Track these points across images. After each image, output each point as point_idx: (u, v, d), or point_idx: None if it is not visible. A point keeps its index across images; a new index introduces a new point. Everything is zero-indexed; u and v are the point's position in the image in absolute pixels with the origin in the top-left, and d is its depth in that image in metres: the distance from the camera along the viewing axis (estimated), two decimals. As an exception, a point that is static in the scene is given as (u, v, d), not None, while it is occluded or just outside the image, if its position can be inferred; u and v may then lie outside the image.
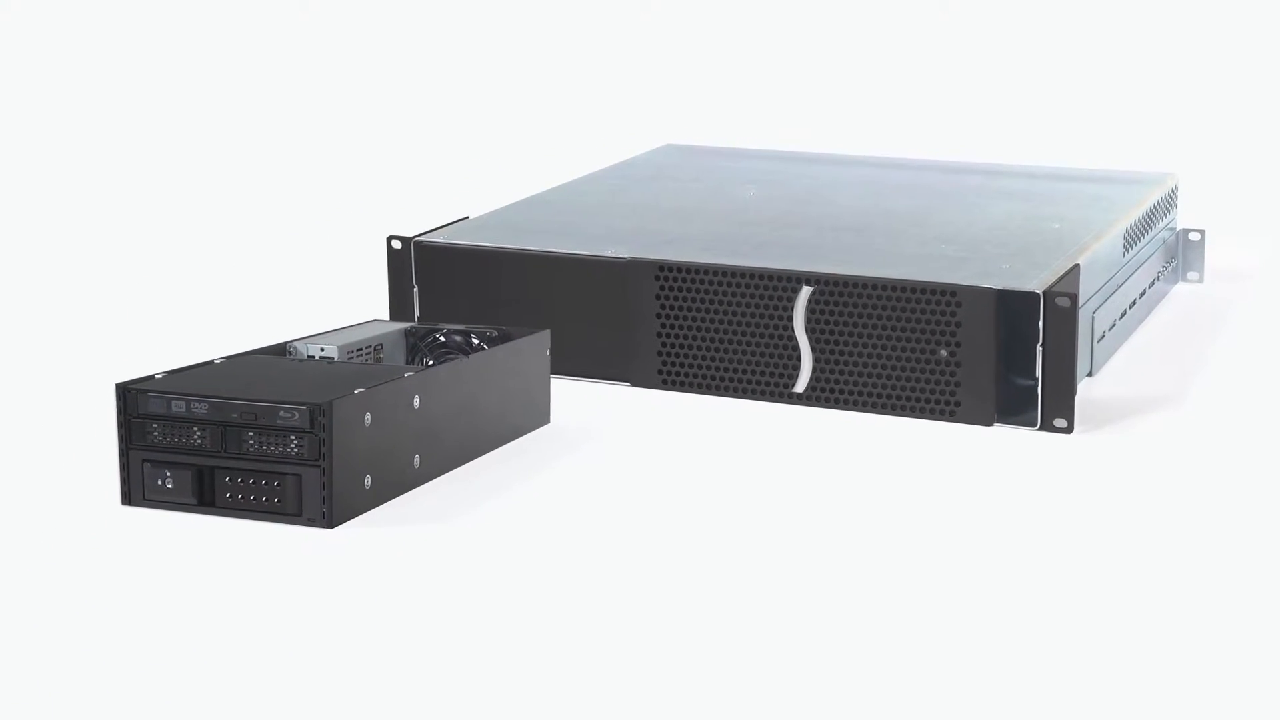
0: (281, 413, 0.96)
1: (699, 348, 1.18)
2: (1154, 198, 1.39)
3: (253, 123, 1.93)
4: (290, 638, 0.85)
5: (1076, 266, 1.16)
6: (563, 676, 0.81)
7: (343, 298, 1.35)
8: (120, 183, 1.77)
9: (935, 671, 0.81)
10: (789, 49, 2.00)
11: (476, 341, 1.13)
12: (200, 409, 0.98)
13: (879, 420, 1.14)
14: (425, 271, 1.25)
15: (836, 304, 1.15)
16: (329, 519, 0.97)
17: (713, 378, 1.18)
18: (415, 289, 1.25)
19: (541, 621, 0.86)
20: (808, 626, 0.86)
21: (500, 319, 1.19)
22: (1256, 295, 1.43)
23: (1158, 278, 1.39)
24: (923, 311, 1.13)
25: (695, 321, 1.18)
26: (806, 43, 2.00)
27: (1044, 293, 1.10)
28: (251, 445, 0.97)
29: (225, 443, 0.97)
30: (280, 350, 1.09)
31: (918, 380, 1.13)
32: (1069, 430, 1.10)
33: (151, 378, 1.01)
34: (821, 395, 1.16)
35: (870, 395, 1.15)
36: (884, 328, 1.14)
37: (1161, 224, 1.41)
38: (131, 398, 0.99)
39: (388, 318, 1.25)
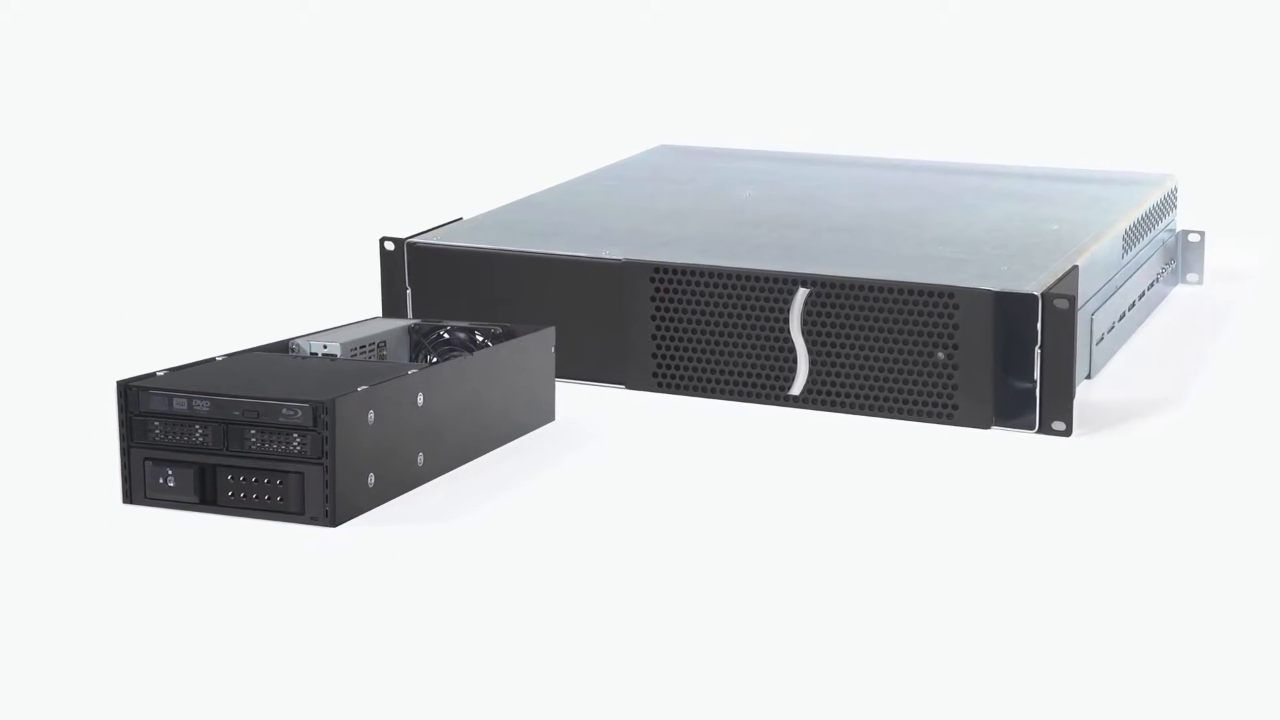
0: (284, 410, 0.97)
1: (694, 350, 1.19)
2: (1153, 199, 1.39)
3: (251, 123, 1.93)
4: (293, 638, 0.86)
5: (1075, 268, 1.16)
6: (565, 676, 0.82)
7: (337, 300, 1.35)
8: (120, 182, 1.78)
9: (933, 676, 0.81)
10: (784, 48, 2.00)
11: (480, 338, 1.13)
12: (202, 406, 0.98)
13: (876, 423, 1.14)
14: (418, 273, 1.26)
15: (833, 306, 1.15)
16: (332, 518, 0.97)
17: (708, 380, 1.19)
18: (409, 291, 1.26)
19: (545, 622, 0.87)
20: (806, 630, 0.86)
21: (494, 321, 1.18)
22: (1256, 297, 1.43)
23: (1157, 279, 1.40)
24: (920, 313, 1.14)
25: (691, 324, 1.19)
26: (802, 42, 1.99)
27: (1042, 294, 1.11)
28: (254, 443, 0.97)
29: (227, 441, 0.98)
30: (282, 347, 1.09)
31: (915, 383, 1.14)
32: (1067, 433, 1.11)
33: (153, 375, 1.02)
34: (818, 398, 1.17)
35: (867, 398, 1.15)
36: (881, 330, 1.14)
37: (1161, 225, 1.41)
38: (132, 395, 0.99)
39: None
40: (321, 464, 0.97)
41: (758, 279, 1.17)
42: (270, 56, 2.01)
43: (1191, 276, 1.47)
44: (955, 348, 1.13)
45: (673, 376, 1.20)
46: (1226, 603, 0.88)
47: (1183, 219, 1.49)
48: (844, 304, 1.16)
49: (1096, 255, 1.24)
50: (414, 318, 1.25)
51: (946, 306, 1.13)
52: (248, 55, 2.01)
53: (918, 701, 0.79)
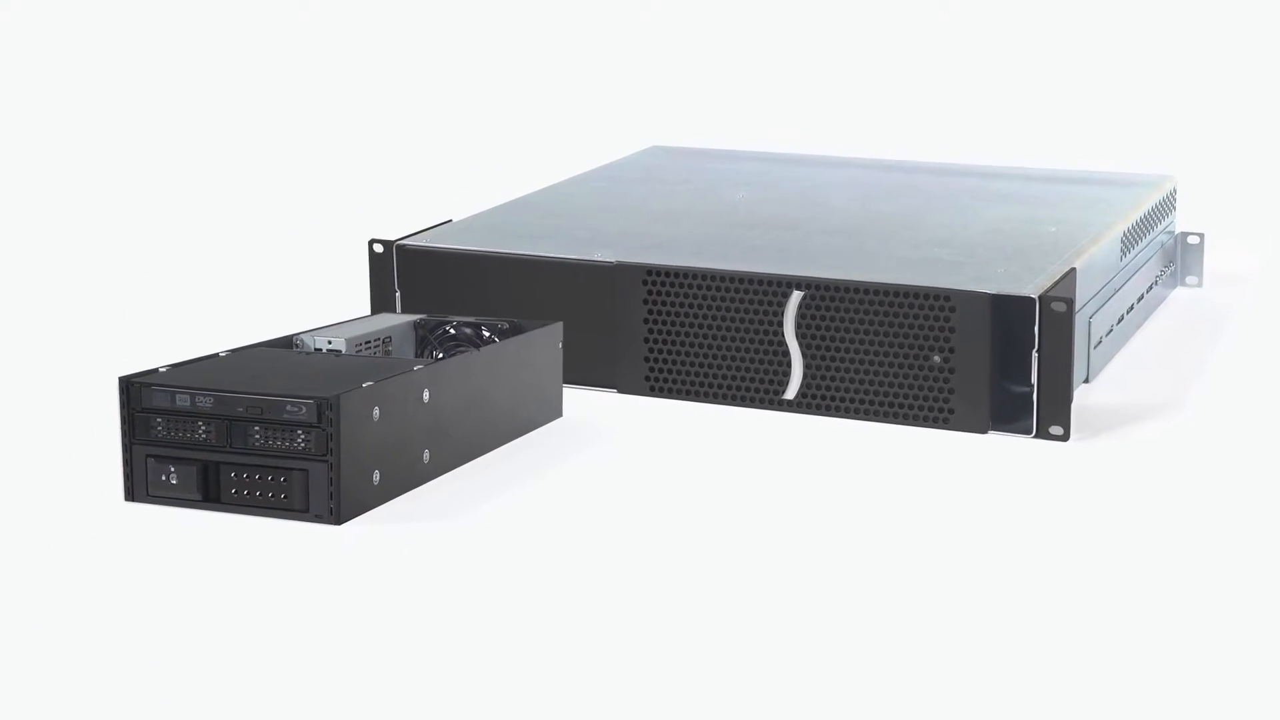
0: (288, 407, 0.99)
1: (687, 353, 1.22)
2: (1152, 200, 1.43)
3: (251, 123, 1.96)
4: (297, 636, 0.87)
5: (1073, 270, 1.18)
6: (569, 675, 0.84)
7: (327, 302, 1.36)
8: (120, 181, 1.82)
9: (930, 681, 0.83)
10: (778, 48, 2.02)
11: (487, 334, 1.16)
12: (205, 403, 1.00)
13: (871, 427, 1.17)
14: (407, 275, 1.28)
15: (828, 309, 1.18)
16: (336, 515, 0.99)
17: (701, 384, 1.22)
18: (398, 293, 1.28)
19: (550, 620, 0.89)
20: (803, 634, 0.88)
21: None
22: (1256, 300, 1.46)
23: (1156, 282, 1.43)
24: (916, 316, 1.16)
25: (684, 327, 1.22)
26: (796, 42, 2.02)
27: (1040, 297, 1.13)
28: (257, 440, 1.00)
29: (230, 437, 1.00)
30: (286, 343, 1.11)
31: (911, 387, 1.17)
32: (1065, 438, 1.13)
33: (155, 371, 1.03)
34: (813, 402, 1.19)
35: (862, 402, 1.18)
36: (876, 333, 1.17)
37: (1160, 227, 1.44)
38: (134, 391, 1.02)
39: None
40: (326, 461, 0.99)
41: (752, 281, 1.20)
42: (267, 58, 2.03)
43: (1191, 279, 1.50)
44: (951, 351, 1.16)
45: (666, 380, 1.23)
46: (1225, 608, 0.90)
47: (1182, 221, 1.52)
48: (839, 307, 1.18)
49: (1095, 258, 1.27)
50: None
51: (943, 309, 1.16)
52: (247, 56, 2.03)
53: (915, 706, 0.81)
